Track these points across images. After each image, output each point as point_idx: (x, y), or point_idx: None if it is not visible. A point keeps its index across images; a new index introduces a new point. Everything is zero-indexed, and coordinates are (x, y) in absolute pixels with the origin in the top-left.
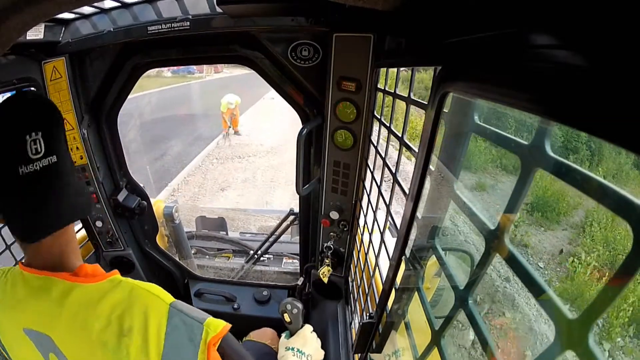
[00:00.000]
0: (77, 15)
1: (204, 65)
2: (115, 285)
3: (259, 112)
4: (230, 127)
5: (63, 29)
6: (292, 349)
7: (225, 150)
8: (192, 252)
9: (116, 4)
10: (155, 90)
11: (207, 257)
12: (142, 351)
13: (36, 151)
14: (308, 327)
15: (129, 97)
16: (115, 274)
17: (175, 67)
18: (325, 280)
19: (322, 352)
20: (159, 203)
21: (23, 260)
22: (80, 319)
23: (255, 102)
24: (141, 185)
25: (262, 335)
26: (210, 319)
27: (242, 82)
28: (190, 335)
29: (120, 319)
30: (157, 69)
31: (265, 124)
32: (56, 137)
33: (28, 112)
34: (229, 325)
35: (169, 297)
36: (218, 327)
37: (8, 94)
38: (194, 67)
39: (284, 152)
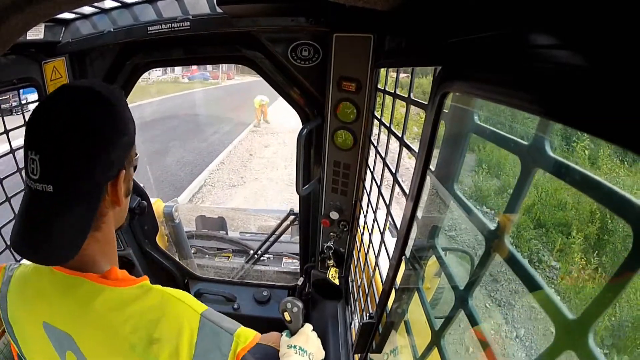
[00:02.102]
0: (77, 15)
1: (219, 72)
2: (146, 292)
3: (281, 106)
4: (261, 118)
5: (63, 29)
6: (295, 346)
7: (260, 131)
8: (192, 251)
9: (116, 4)
10: (178, 94)
11: (207, 256)
12: (171, 358)
13: (32, 171)
14: (309, 326)
15: (167, 96)
16: (145, 280)
17: (190, 74)
18: (337, 281)
19: (323, 352)
20: (158, 202)
21: None
22: (107, 321)
23: (277, 98)
24: (141, 185)
25: (269, 339)
26: (240, 329)
27: (254, 87)
28: (219, 345)
29: (150, 326)
30: (174, 76)
31: (287, 112)
32: (60, 167)
33: (40, 124)
34: (259, 336)
35: (200, 306)
36: (248, 337)
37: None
38: (208, 73)
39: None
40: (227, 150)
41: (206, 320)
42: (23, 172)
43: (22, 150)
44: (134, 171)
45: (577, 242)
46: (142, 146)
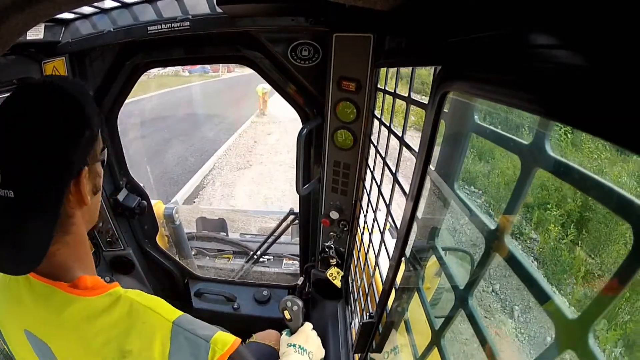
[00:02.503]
0: (77, 15)
1: (219, 66)
2: (115, 301)
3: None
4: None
5: (63, 29)
6: (294, 345)
7: (262, 121)
8: (192, 253)
9: (116, 4)
10: (181, 87)
11: (207, 258)
12: None
13: None
14: (309, 325)
15: (170, 89)
16: (116, 287)
17: (190, 67)
18: (339, 284)
19: (323, 351)
20: (159, 204)
21: None
22: (79, 332)
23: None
24: (141, 185)
25: (266, 336)
26: (218, 334)
27: (254, 79)
28: (195, 354)
29: (121, 338)
30: (175, 70)
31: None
32: (19, 171)
33: (1, 127)
34: (239, 340)
35: (172, 313)
36: (226, 344)
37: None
38: (209, 66)
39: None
40: (233, 137)
41: (179, 328)
42: None
43: None
44: (103, 165)
45: (554, 215)
46: (155, 135)
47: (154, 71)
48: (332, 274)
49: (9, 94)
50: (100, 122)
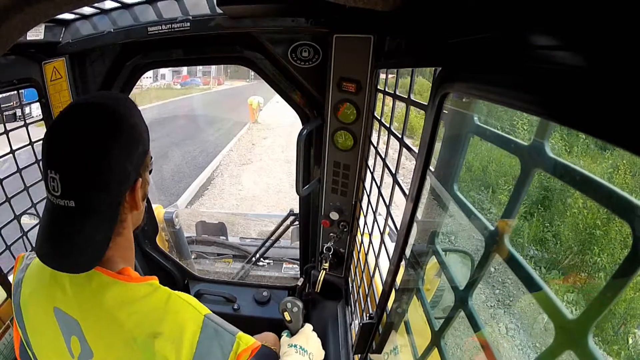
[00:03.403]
0: (77, 16)
1: (209, 78)
2: (155, 290)
3: (274, 106)
4: (256, 118)
5: (63, 29)
6: (295, 346)
7: (257, 128)
8: (192, 257)
9: (116, 4)
10: (174, 100)
11: (207, 261)
12: (171, 356)
13: (53, 189)
14: (309, 326)
15: (165, 102)
16: (155, 279)
17: (182, 80)
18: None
19: (323, 352)
20: (159, 209)
21: None
22: (113, 314)
23: (270, 99)
24: None
25: (264, 339)
26: (241, 333)
27: (244, 91)
28: (221, 344)
29: (154, 322)
30: (165, 84)
31: (281, 112)
32: (80, 183)
33: (56, 144)
34: (260, 344)
35: (204, 309)
36: (250, 341)
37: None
38: (200, 80)
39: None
40: (233, 142)
41: (210, 321)
42: (23, 172)
43: (21, 151)
44: (150, 173)
45: (507, 190)
46: (162, 140)
47: (145, 84)
48: (320, 280)
49: (63, 110)
50: (149, 136)
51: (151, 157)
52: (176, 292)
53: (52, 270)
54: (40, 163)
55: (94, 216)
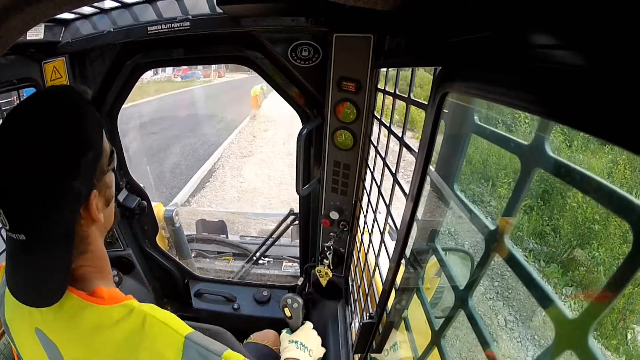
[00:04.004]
0: (77, 16)
1: (210, 71)
2: (129, 313)
3: (277, 97)
4: (260, 104)
5: (63, 29)
6: (296, 342)
7: (258, 119)
8: (192, 255)
9: (116, 4)
10: (175, 92)
11: (207, 259)
12: None
13: (3, 222)
14: (309, 324)
15: (166, 94)
16: (130, 299)
17: (182, 73)
18: (324, 283)
19: (323, 350)
20: (159, 207)
21: None
22: (89, 340)
23: (272, 91)
24: (141, 185)
25: (264, 337)
26: (228, 351)
27: (245, 83)
28: None
29: (132, 350)
30: (166, 76)
31: (282, 103)
32: (25, 216)
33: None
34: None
35: (184, 329)
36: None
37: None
38: (200, 72)
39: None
40: (234, 134)
41: (191, 342)
42: None
43: None
44: (114, 170)
45: (507, 183)
46: (163, 133)
47: (146, 77)
48: (319, 270)
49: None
50: (102, 132)
51: (112, 152)
52: (153, 311)
53: None
54: None
55: (48, 245)
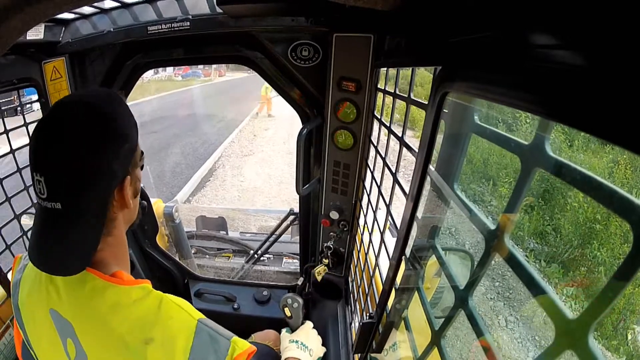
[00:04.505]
0: (77, 16)
1: (211, 70)
2: (147, 294)
3: (278, 97)
4: (265, 109)
5: (63, 29)
6: (296, 341)
7: (259, 118)
8: (192, 251)
9: (116, 4)
10: (176, 91)
11: (207, 256)
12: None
13: (40, 192)
14: (309, 324)
15: (167, 93)
16: (148, 283)
17: (183, 72)
18: (319, 278)
19: (324, 349)
20: (159, 203)
21: None
22: (106, 317)
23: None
24: (141, 184)
25: (265, 336)
26: (236, 337)
27: (246, 83)
28: (216, 349)
29: (146, 327)
30: (166, 75)
31: (283, 103)
32: (65, 185)
33: (40, 147)
34: (255, 349)
35: (197, 313)
36: (245, 345)
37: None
38: (201, 71)
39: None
40: (234, 133)
41: (203, 325)
42: (23, 172)
43: (21, 150)
44: (142, 169)
45: (508, 182)
46: (163, 132)
47: (147, 76)
48: (319, 272)
49: (47, 112)
50: (137, 131)
51: (142, 153)
52: (169, 296)
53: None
54: None
55: (81, 217)
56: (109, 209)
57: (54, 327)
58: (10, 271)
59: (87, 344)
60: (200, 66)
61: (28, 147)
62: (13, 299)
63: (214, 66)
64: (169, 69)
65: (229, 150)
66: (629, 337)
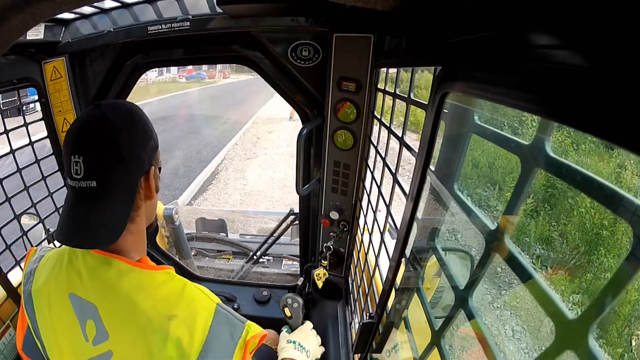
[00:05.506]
0: (77, 16)
1: (215, 72)
2: (171, 278)
3: (280, 99)
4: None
5: (63, 29)
6: (294, 342)
7: (262, 121)
8: (192, 253)
9: (116, 4)
10: (180, 93)
11: (207, 258)
12: (184, 337)
13: (76, 172)
14: (309, 324)
15: (171, 95)
16: (172, 269)
17: (187, 74)
18: (320, 284)
19: (322, 349)
20: (159, 205)
21: None
22: (131, 296)
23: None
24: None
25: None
26: (250, 322)
27: (250, 85)
28: (231, 330)
29: (170, 305)
30: (171, 77)
31: (286, 105)
32: (101, 164)
33: (81, 132)
34: (266, 333)
35: (216, 299)
36: (257, 329)
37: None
38: (205, 73)
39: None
40: (238, 135)
41: (222, 309)
42: (23, 172)
43: (22, 150)
44: (160, 172)
45: (513, 187)
46: (167, 134)
47: (151, 78)
48: (318, 274)
49: (86, 109)
50: (157, 137)
51: (159, 155)
52: (190, 282)
53: (69, 259)
54: (55, 156)
55: (113, 196)
56: (136, 196)
57: (73, 311)
58: (11, 272)
59: (110, 321)
60: (205, 68)
61: (65, 134)
62: (25, 287)
63: (218, 68)
64: (173, 71)
65: (232, 152)
66: (634, 343)
